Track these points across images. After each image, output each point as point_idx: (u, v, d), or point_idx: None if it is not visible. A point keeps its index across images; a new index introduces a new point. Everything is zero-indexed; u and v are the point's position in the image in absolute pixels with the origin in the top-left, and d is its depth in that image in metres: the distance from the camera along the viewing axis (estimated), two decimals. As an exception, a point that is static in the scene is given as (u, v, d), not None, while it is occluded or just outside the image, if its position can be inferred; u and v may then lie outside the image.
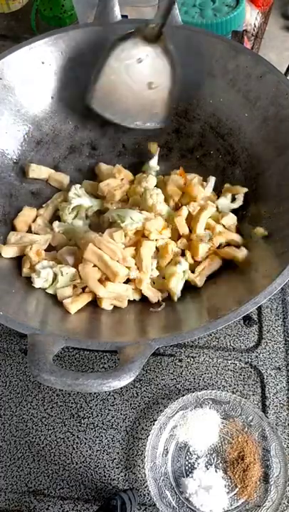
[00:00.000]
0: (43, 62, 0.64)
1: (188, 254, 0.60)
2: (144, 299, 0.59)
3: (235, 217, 0.63)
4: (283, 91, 0.58)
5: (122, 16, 0.65)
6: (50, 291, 0.57)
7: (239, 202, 0.64)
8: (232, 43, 0.63)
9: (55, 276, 0.57)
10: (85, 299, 0.56)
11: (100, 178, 0.69)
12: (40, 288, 0.57)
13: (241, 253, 0.57)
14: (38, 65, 0.63)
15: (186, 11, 0.77)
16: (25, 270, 0.58)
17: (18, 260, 0.60)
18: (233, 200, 0.65)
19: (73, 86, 0.67)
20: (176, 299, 0.58)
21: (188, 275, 0.58)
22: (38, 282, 0.57)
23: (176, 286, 0.57)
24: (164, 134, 0.66)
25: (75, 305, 0.55)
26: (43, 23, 0.89)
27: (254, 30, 0.81)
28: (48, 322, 0.52)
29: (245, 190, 0.64)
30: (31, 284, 0.57)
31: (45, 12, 0.87)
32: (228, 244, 0.61)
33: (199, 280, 0.58)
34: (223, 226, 0.62)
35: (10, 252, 0.59)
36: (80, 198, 0.64)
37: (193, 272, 0.59)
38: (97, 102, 0.65)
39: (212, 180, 0.66)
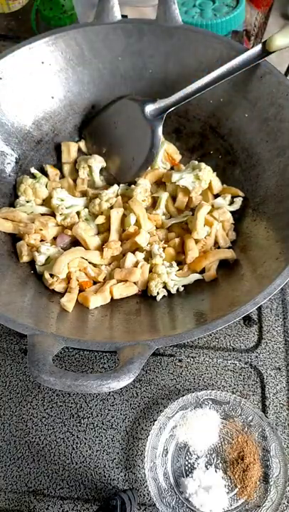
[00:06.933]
0: (42, 62, 0.64)
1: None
2: (143, 299, 0.60)
3: (229, 213, 0.63)
4: (283, 91, 0.58)
5: (122, 15, 0.65)
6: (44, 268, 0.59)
7: (236, 206, 0.64)
8: (232, 43, 0.63)
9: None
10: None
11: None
12: (41, 265, 0.59)
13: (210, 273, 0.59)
14: (38, 65, 0.63)
15: (186, 11, 0.77)
16: (25, 257, 0.59)
17: (15, 256, 0.61)
18: (232, 202, 0.65)
19: (73, 86, 0.68)
20: (154, 294, 0.59)
21: (167, 280, 0.59)
22: (41, 258, 0.59)
23: (154, 285, 0.58)
24: (164, 133, 0.66)
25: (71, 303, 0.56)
26: (43, 23, 0.89)
27: (254, 30, 0.80)
28: (48, 322, 0.52)
29: (243, 195, 0.64)
30: (30, 284, 0.57)
31: (45, 12, 0.87)
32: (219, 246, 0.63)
33: (172, 288, 0.59)
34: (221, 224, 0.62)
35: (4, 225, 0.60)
36: (64, 201, 0.64)
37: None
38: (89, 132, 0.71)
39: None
